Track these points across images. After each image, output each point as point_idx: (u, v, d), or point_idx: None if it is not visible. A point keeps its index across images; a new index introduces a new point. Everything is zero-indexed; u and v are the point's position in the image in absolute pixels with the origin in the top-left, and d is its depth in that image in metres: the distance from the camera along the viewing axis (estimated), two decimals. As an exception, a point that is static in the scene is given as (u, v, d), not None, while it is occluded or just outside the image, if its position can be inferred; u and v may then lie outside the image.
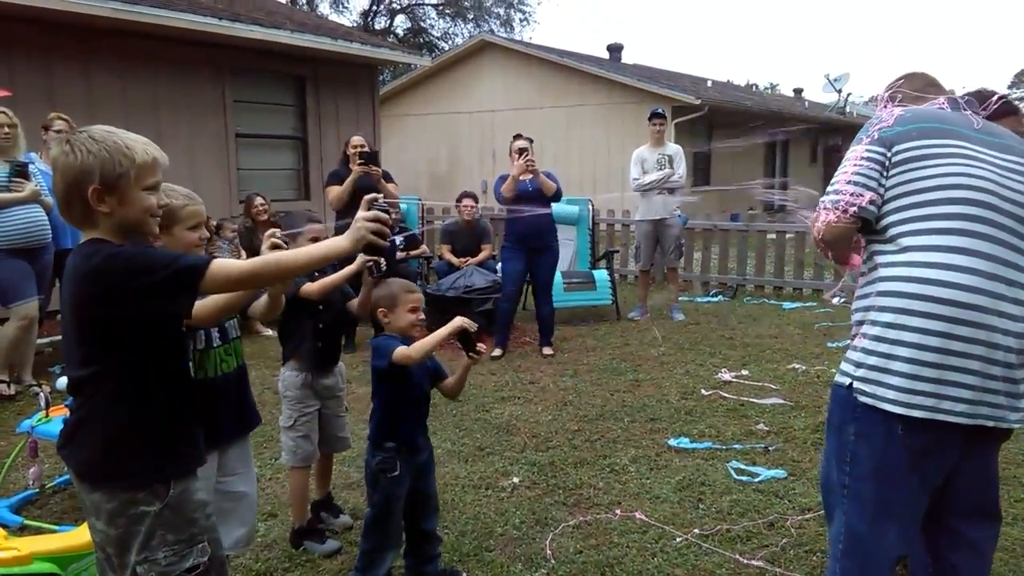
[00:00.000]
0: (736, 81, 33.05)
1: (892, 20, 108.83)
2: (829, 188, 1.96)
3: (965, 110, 1.99)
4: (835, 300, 8.33)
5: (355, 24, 28.34)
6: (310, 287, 2.97)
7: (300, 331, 3.08)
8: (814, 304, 8.29)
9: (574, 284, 7.45)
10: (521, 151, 5.92)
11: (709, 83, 21.16)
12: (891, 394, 1.81)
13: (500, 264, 6.69)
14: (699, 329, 7.07)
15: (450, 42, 29.67)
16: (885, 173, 1.88)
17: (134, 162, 1.67)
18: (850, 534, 1.94)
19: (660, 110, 7.69)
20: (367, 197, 1.81)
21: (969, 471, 1.90)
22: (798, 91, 30.76)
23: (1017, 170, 1.86)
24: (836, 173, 1.97)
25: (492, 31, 27.35)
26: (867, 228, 1.93)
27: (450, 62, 18.31)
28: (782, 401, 4.87)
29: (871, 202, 1.88)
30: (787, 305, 8.25)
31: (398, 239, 7.45)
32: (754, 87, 36.15)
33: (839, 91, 24.88)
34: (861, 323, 1.93)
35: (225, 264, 1.68)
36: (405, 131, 17.82)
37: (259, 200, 7.30)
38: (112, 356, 1.68)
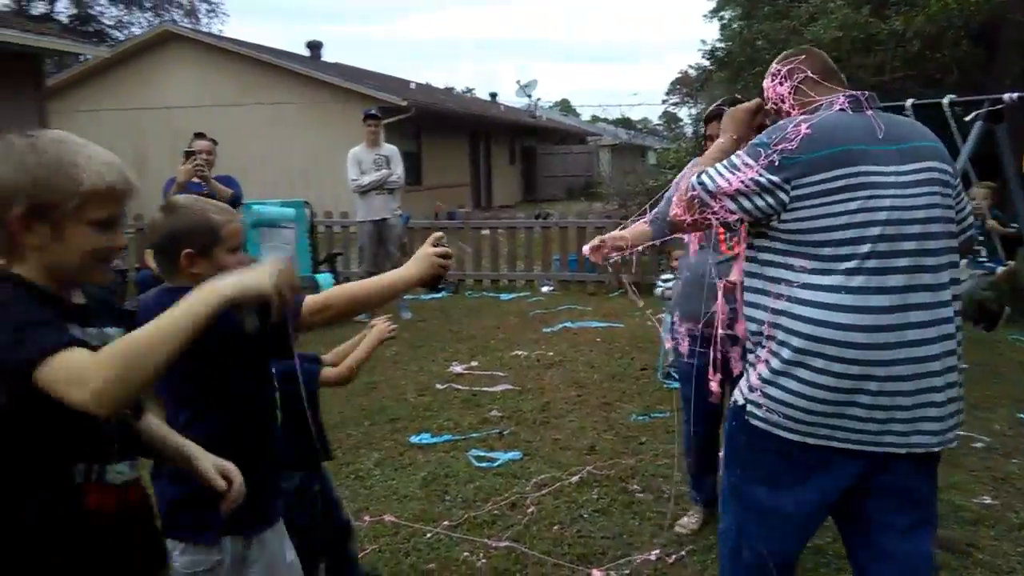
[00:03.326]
0: (435, 84, 34.13)
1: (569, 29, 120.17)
2: (705, 179, 1.85)
3: (867, 110, 1.83)
4: (544, 289, 9.00)
5: (7, 7, 24.41)
6: None
7: None
8: (527, 294, 8.87)
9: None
10: (188, 154, 5.44)
11: (412, 85, 21.59)
12: (784, 422, 1.80)
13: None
14: (427, 326, 7.21)
15: (125, 32, 26.86)
16: (772, 202, 1.77)
17: (78, 187, 1.26)
18: (740, 535, 1.95)
19: (374, 111, 7.69)
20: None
21: (883, 492, 1.84)
22: (493, 95, 32.61)
23: (920, 180, 1.77)
24: (720, 167, 1.84)
25: (174, 21, 25.24)
26: (762, 236, 1.86)
27: (128, 54, 16.60)
28: (510, 386, 5.15)
29: (738, 221, 1.83)
30: (504, 296, 8.74)
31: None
32: (452, 90, 37.63)
33: (529, 96, 26.93)
34: (758, 341, 1.87)
35: None
36: (77, 129, 15.55)
37: None
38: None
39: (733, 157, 1.85)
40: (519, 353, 6.06)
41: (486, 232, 9.55)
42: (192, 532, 1.76)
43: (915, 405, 1.75)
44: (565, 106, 54.83)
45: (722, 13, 15.89)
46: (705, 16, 15.84)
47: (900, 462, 1.80)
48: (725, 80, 12.25)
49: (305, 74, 16.17)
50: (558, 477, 3.71)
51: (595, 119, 46.66)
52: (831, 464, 1.81)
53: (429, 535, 3.17)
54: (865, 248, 1.72)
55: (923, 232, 1.76)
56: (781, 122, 1.86)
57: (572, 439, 4.20)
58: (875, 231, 1.73)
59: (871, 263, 1.72)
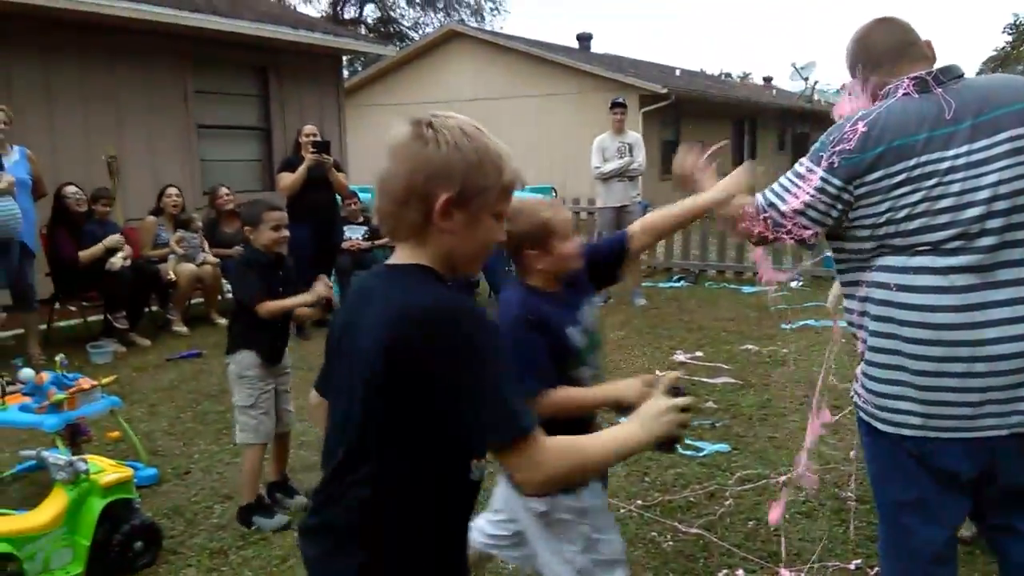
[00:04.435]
0: (710, 71, 33.26)
1: (859, 7, 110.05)
2: (773, 198, 1.86)
3: (935, 89, 1.75)
4: (793, 284, 8.52)
5: (324, 14, 28.17)
6: (268, 307, 3.16)
7: (259, 326, 3.21)
8: (774, 288, 8.45)
9: (537, 271, 7.54)
10: None
11: (677, 72, 21.33)
12: (878, 413, 1.80)
13: None
14: (659, 313, 7.22)
15: (420, 32, 29.59)
16: (840, 207, 1.77)
17: (501, 177, 1.25)
18: (884, 533, 1.96)
19: (621, 99, 7.81)
20: (670, 377, 1.42)
21: (1005, 475, 1.76)
22: (768, 79, 31.07)
23: (1000, 153, 1.66)
24: (785, 180, 1.85)
25: (463, 20, 27.32)
26: (835, 235, 1.85)
27: (418, 52, 18.33)
28: (732, 380, 5.02)
29: (814, 235, 1.81)
30: (746, 289, 8.44)
31: (362, 230, 7.52)
32: (727, 76, 36.46)
33: (806, 79, 25.20)
34: (854, 333, 1.88)
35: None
36: (374, 122, 17.79)
37: (224, 191, 7.33)
38: (391, 443, 1.22)
39: (796, 165, 1.85)
40: (749, 347, 5.85)
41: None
42: None
43: (1011, 385, 1.69)
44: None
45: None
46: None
47: (1011, 450, 1.72)
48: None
49: (571, 65, 16.72)
50: (764, 475, 3.59)
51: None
52: (934, 455, 1.76)
53: (623, 511, 3.26)
54: (937, 236, 1.69)
55: (1013, 206, 1.66)
56: (840, 121, 1.80)
57: (788, 439, 4.02)
58: (944, 218, 1.68)
59: (947, 246, 1.68)
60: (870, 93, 1.87)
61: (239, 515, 3.23)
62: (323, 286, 3.26)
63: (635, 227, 2.15)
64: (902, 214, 1.70)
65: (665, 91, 15.76)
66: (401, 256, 1.27)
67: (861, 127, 1.74)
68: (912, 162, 1.69)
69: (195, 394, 5.01)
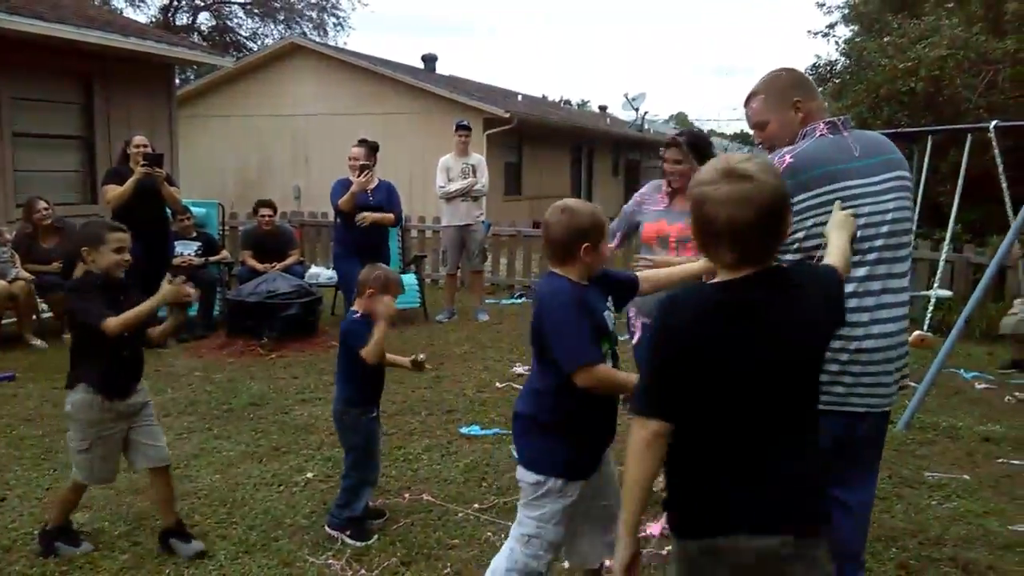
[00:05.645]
0: (551, 97, 34.51)
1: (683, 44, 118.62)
2: None
3: (844, 133, 2.13)
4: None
5: (154, 20, 26.67)
6: (114, 322, 2.81)
7: (97, 356, 2.92)
8: (606, 304, 8.98)
9: (382, 288, 7.61)
10: (362, 168, 6.22)
11: (520, 97, 22.04)
12: None
13: (336, 271, 6.85)
14: (501, 328, 7.50)
15: (259, 43, 28.68)
16: None
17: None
18: None
19: (465, 122, 8.07)
20: None
21: (853, 448, 2.13)
22: (603, 108, 32.73)
23: (891, 187, 2.09)
24: None
25: (304, 34, 26.79)
26: None
27: (258, 64, 17.79)
28: (566, 390, 5.33)
29: None
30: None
31: (194, 246, 7.26)
32: (566, 103, 38.03)
33: (636, 109, 26.83)
34: None
35: None
36: (210, 133, 17.06)
37: (42, 204, 6.84)
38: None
39: None
40: (582, 359, 6.22)
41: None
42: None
43: (879, 372, 2.08)
44: (681, 119, 54.21)
45: (833, 28, 15.48)
46: (810, 32, 15.51)
47: (864, 426, 2.11)
48: (827, 95, 11.98)
49: (416, 85, 16.84)
50: (592, 475, 3.87)
51: (711, 133, 45.95)
52: (828, 425, 2.04)
53: (460, 515, 3.42)
54: (853, 247, 1.99)
55: (891, 231, 2.08)
56: (767, 158, 2.11)
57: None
58: (858, 234, 2.02)
59: (853, 259, 1.99)
60: (803, 118, 2.19)
61: (40, 539, 3.02)
62: (168, 284, 2.92)
63: (642, 275, 2.55)
64: (826, 229, 1.99)
65: (508, 115, 16.24)
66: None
67: (788, 159, 2.06)
68: (838, 185, 2.03)
69: (9, 419, 4.66)
